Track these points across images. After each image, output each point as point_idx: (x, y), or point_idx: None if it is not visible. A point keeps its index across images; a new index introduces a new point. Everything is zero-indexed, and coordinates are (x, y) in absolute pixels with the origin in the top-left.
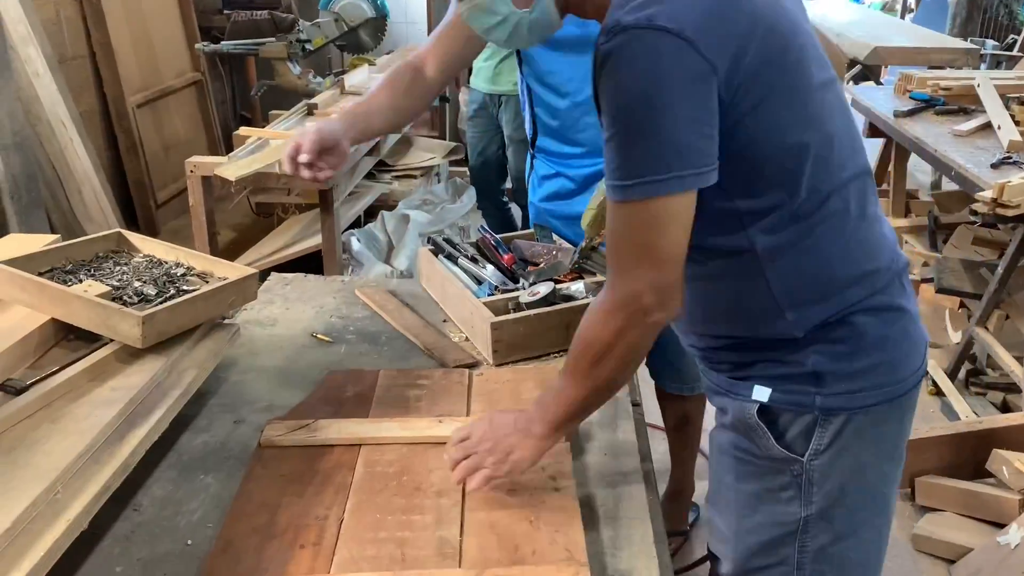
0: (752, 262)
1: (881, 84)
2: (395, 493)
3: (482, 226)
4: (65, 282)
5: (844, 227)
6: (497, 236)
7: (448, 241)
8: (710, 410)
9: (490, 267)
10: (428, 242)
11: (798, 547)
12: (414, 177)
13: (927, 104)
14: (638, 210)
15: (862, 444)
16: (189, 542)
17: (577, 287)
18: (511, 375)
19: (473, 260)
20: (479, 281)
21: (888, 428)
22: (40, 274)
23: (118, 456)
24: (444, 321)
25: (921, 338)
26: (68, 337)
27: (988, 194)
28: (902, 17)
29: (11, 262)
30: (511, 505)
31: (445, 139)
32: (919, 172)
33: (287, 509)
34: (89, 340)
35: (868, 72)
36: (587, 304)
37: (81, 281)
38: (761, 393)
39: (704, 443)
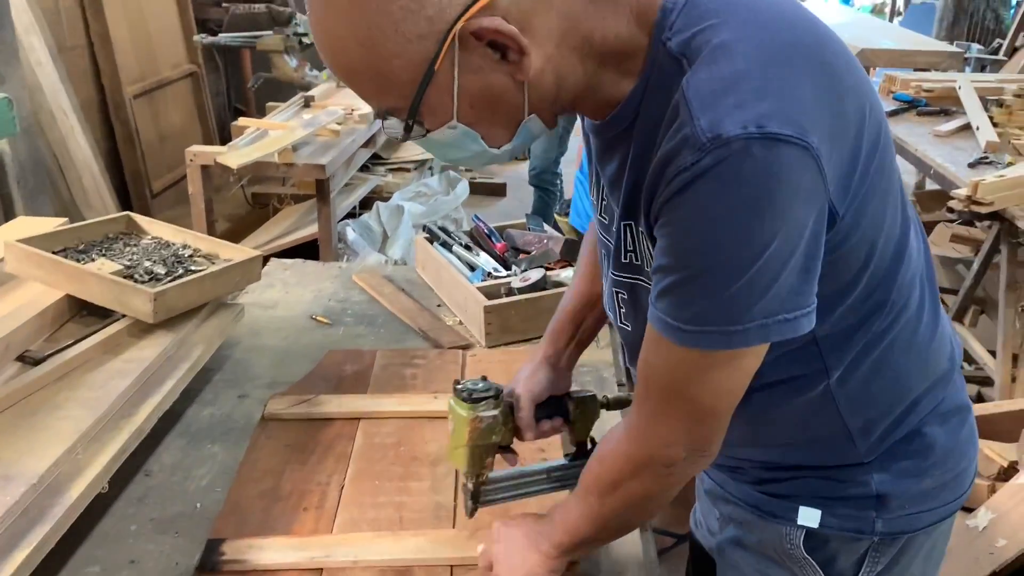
0: (819, 388)
1: None
2: (393, 462)
3: (476, 215)
4: (78, 261)
5: (918, 328)
6: (490, 225)
7: (443, 229)
8: None
9: (483, 254)
10: (424, 230)
11: None
12: (408, 170)
13: (910, 105)
14: (696, 359)
15: (917, 561)
16: (198, 505)
17: (567, 274)
18: (503, 356)
19: (467, 248)
20: (472, 268)
21: (943, 536)
22: (54, 253)
23: (133, 422)
24: (438, 306)
25: (976, 429)
26: (81, 313)
27: (963, 191)
28: (890, 20)
29: (28, 241)
30: None
31: None
32: (905, 174)
33: (291, 476)
34: (101, 316)
35: None
36: None
37: (94, 260)
38: (809, 517)
39: None
